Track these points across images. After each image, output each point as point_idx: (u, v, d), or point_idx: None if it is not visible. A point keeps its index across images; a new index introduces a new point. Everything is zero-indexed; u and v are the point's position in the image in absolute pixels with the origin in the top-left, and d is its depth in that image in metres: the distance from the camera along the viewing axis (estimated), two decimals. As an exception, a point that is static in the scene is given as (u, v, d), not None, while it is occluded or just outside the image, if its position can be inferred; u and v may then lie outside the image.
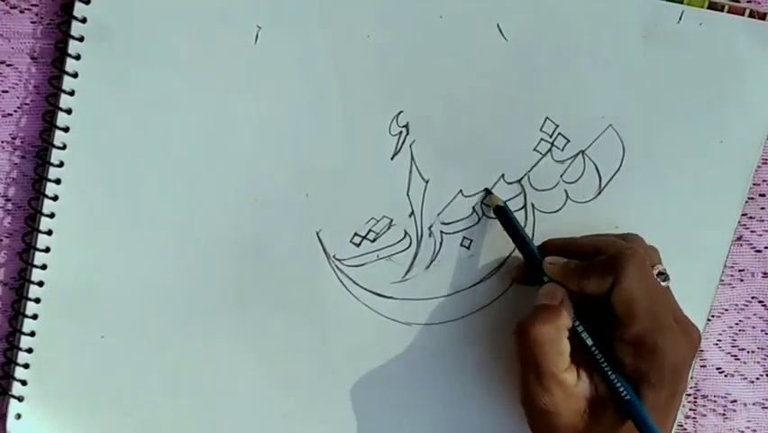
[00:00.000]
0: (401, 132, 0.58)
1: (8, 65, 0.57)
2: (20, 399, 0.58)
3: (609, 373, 0.53)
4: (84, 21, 0.55)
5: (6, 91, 0.57)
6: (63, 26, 0.56)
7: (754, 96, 0.59)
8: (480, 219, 0.59)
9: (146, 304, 0.58)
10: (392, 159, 0.58)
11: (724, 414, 0.63)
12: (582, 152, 0.59)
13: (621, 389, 0.53)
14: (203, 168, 0.57)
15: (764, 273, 0.63)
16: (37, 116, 0.57)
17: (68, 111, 0.56)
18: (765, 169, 0.61)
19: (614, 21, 0.58)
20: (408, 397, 0.60)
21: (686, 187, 0.60)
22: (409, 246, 0.59)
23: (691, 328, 0.55)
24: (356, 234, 0.59)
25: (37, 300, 0.57)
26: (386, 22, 0.57)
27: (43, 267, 0.57)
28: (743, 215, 0.61)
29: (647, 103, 0.59)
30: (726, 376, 0.63)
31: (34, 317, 0.57)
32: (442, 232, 0.59)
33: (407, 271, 0.59)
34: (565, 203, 0.59)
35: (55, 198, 0.56)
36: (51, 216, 0.57)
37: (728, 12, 0.58)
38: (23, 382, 0.58)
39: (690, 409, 0.63)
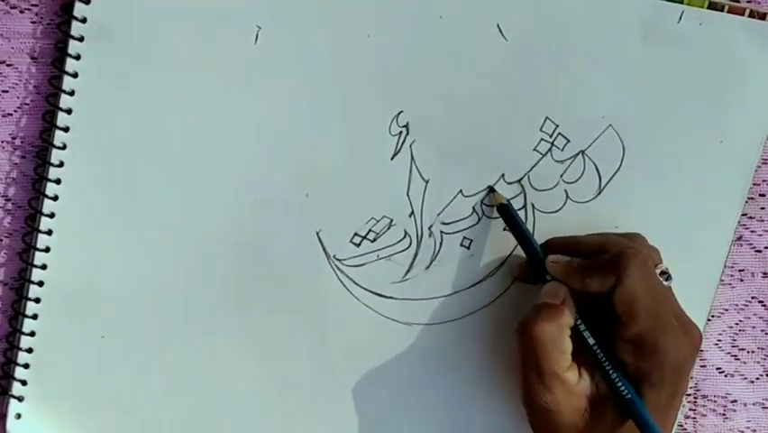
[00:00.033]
0: (401, 132, 0.58)
1: (8, 65, 0.57)
2: (20, 399, 0.58)
3: (610, 371, 0.54)
4: (84, 21, 0.55)
5: (6, 91, 0.57)
6: (63, 26, 0.56)
7: (754, 96, 0.59)
8: (480, 219, 0.59)
9: (146, 304, 0.58)
10: (392, 159, 0.58)
11: (724, 414, 0.63)
12: (582, 152, 0.59)
13: (622, 388, 0.53)
14: (203, 168, 0.57)
15: (764, 273, 0.63)
16: (37, 116, 0.57)
17: (68, 111, 0.56)
18: (765, 169, 0.61)
19: (614, 21, 0.58)
20: (408, 397, 0.60)
21: (686, 187, 0.60)
22: (409, 246, 0.59)
23: (693, 328, 0.55)
24: (356, 234, 0.59)
25: (37, 300, 0.57)
26: (386, 22, 0.57)
27: (43, 267, 0.57)
28: (743, 215, 0.61)
29: (647, 103, 0.59)
30: (726, 376, 0.63)
31: (34, 317, 0.57)
32: (442, 232, 0.59)
33: (407, 271, 0.59)
34: (565, 203, 0.59)
35: (55, 198, 0.56)
36: (51, 216, 0.57)
37: (728, 12, 0.58)
38: (23, 382, 0.58)
39: (690, 410, 0.63)
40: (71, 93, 0.56)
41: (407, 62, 0.58)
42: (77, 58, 0.56)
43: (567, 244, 0.57)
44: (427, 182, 0.59)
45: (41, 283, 0.57)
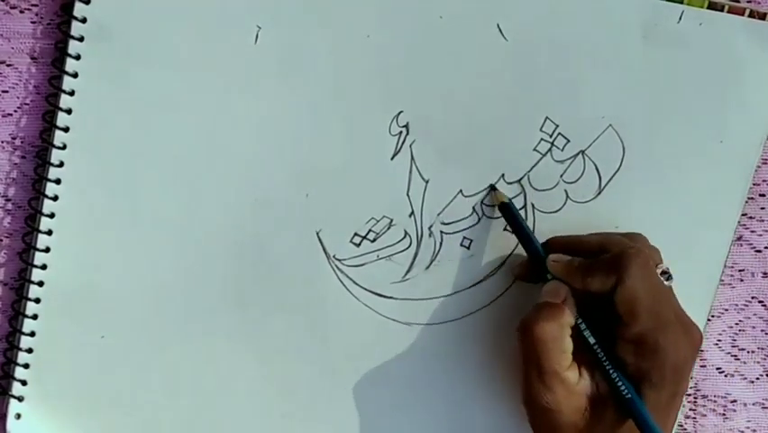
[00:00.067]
0: (401, 132, 0.58)
1: (8, 65, 0.57)
2: (20, 399, 0.58)
3: (610, 371, 0.54)
4: (84, 21, 0.55)
5: (6, 91, 0.57)
6: (63, 26, 0.56)
7: (754, 96, 0.59)
8: (480, 219, 0.59)
9: (146, 304, 0.58)
10: (392, 159, 0.58)
11: (724, 414, 0.63)
12: (582, 152, 0.59)
13: (622, 387, 0.53)
14: (203, 168, 0.57)
15: (764, 273, 0.63)
16: (37, 116, 0.57)
17: (68, 111, 0.56)
18: (765, 169, 0.61)
19: (614, 21, 0.58)
20: (408, 397, 0.60)
21: (686, 187, 0.60)
22: (409, 246, 0.59)
23: (693, 328, 0.55)
24: (356, 234, 0.59)
25: (37, 300, 0.57)
26: (386, 22, 0.57)
27: (43, 267, 0.57)
28: (743, 215, 0.61)
29: (647, 103, 0.59)
30: (726, 376, 0.63)
31: (34, 317, 0.57)
32: (442, 232, 0.59)
33: (407, 271, 0.59)
34: (565, 203, 0.59)
35: (55, 198, 0.56)
36: (51, 216, 0.57)
37: (728, 12, 0.58)
38: (23, 382, 0.58)
39: (690, 410, 0.63)
40: (71, 93, 0.56)
41: (407, 62, 0.58)
42: (77, 58, 0.56)
43: (568, 244, 0.57)
44: (427, 182, 0.59)
45: (41, 283, 0.57)
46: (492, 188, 0.59)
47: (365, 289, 0.59)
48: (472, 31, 0.58)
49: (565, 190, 0.59)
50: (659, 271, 0.54)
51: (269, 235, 0.58)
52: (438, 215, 0.59)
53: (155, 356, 0.58)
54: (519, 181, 0.59)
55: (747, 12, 0.58)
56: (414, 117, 0.58)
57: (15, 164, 0.57)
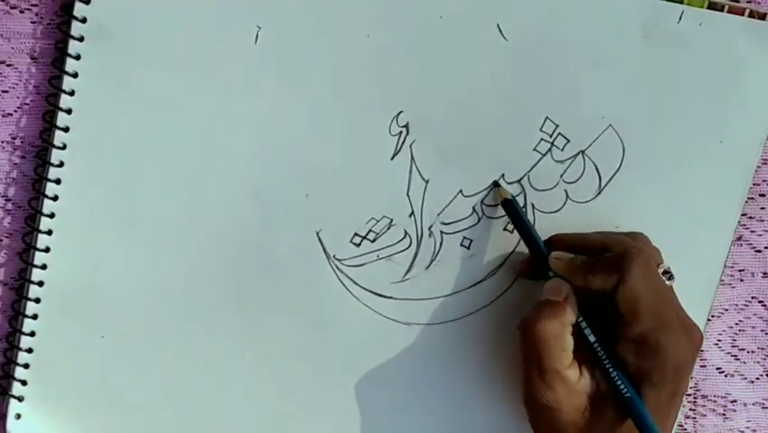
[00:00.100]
0: (401, 132, 0.58)
1: (8, 65, 0.57)
2: (20, 399, 0.58)
3: (611, 370, 0.54)
4: (84, 21, 0.55)
5: (6, 91, 0.57)
6: (63, 26, 0.56)
7: (754, 96, 0.59)
8: (480, 219, 0.59)
9: (146, 304, 0.58)
10: (392, 159, 0.58)
11: (724, 414, 0.63)
12: (582, 152, 0.59)
13: (622, 386, 0.53)
14: (203, 168, 0.57)
15: (764, 273, 0.63)
16: (37, 116, 0.57)
17: (68, 111, 0.56)
18: (765, 169, 0.61)
19: (614, 21, 0.58)
20: (408, 397, 0.60)
21: (686, 187, 0.60)
22: (409, 246, 0.59)
23: (694, 328, 0.55)
24: (356, 235, 0.59)
25: (37, 300, 0.57)
26: (386, 22, 0.57)
27: (43, 267, 0.57)
28: (743, 215, 0.61)
29: (647, 103, 0.59)
30: (726, 376, 0.63)
31: (34, 317, 0.57)
32: (442, 232, 0.59)
33: (407, 271, 0.59)
34: (565, 203, 0.59)
35: (55, 198, 0.56)
36: (51, 216, 0.57)
37: (728, 12, 0.58)
38: (23, 382, 0.58)
39: (690, 410, 0.63)
40: (71, 93, 0.56)
41: (407, 62, 0.58)
42: (77, 58, 0.56)
43: (571, 241, 0.57)
44: (427, 182, 0.59)
45: (40, 283, 0.57)
46: (495, 184, 0.59)
47: (365, 289, 0.59)
48: (472, 31, 0.58)
49: (565, 190, 0.59)
50: (660, 270, 0.54)
51: (269, 235, 0.58)
52: (438, 215, 0.59)
53: (155, 356, 0.58)
54: (519, 181, 0.59)
55: (747, 12, 0.58)
56: (414, 117, 0.58)
57: (15, 164, 0.57)
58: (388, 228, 0.59)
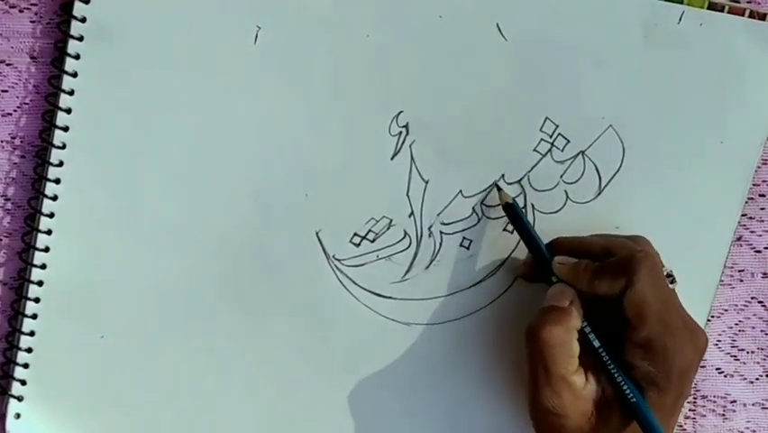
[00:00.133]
0: (401, 132, 0.58)
1: (8, 64, 0.57)
2: (19, 398, 0.58)
3: (616, 374, 0.53)
4: (84, 20, 0.55)
5: (6, 91, 0.57)
6: (63, 26, 0.56)
7: (754, 96, 0.59)
8: (479, 219, 0.59)
9: (146, 304, 0.58)
10: (392, 159, 0.58)
11: (723, 414, 0.63)
12: (582, 152, 0.59)
13: (628, 391, 0.53)
14: (203, 168, 0.57)
15: (764, 273, 0.63)
16: (37, 116, 0.57)
17: (68, 111, 0.56)
18: (765, 169, 0.61)
19: (614, 21, 0.58)
20: (408, 397, 0.60)
21: (686, 187, 0.60)
22: (409, 246, 0.59)
23: (698, 332, 0.55)
24: (356, 235, 0.59)
25: (37, 300, 0.57)
26: (385, 22, 0.57)
27: (43, 267, 0.57)
28: (743, 215, 0.61)
29: (647, 103, 0.59)
30: (725, 376, 0.63)
31: (34, 316, 0.57)
32: (441, 232, 0.59)
33: (407, 272, 0.59)
34: (565, 203, 0.59)
35: (55, 198, 0.56)
36: (51, 215, 0.57)
37: (728, 12, 0.58)
38: (23, 382, 0.58)
39: (690, 410, 0.63)
40: (71, 93, 0.56)
41: (407, 62, 0.58)
42: (77, 57, 0.56)
43: (573, 245, 0.56)
44: (427, 182, 0.59)
45: (40, 283, 0.57)
46: (497, 188, 0.58)
47: (365, 289, 0.59)
48: (472, 31, 0.58)
49: (565, 191, 0.59)
50: (664, 274, 0.54)
51: (268, 235, 0.58)
52: (438, 215, 0.59)
53: (155, 356, 0.58)
54: (519, 182, 0.59)
55: (747, 12, 0.58)
56: (414, 117, 0.58)
57: (15, 164, 0.57)
58: (388, 228, 0.59)
